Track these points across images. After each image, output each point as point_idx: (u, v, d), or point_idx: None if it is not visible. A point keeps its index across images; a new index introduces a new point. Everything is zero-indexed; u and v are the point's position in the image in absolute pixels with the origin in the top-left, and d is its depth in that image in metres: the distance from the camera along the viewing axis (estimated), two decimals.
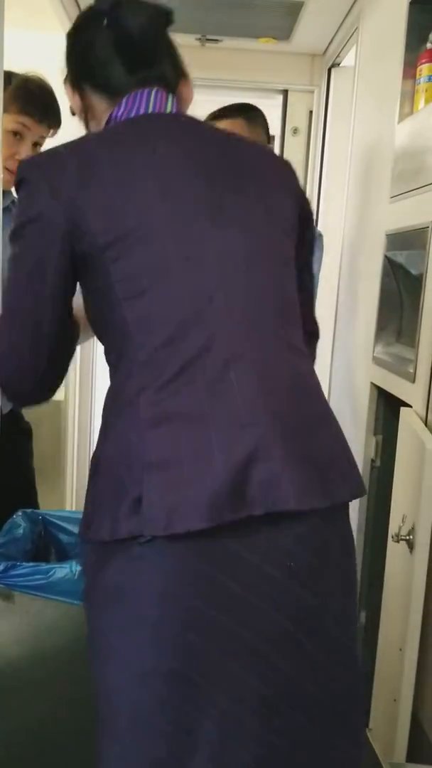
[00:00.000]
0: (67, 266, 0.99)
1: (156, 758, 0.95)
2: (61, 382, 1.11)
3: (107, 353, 1.04)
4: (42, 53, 2.98)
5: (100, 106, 1.11)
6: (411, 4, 1.74)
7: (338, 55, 2.92)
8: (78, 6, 2.77)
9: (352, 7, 2.49)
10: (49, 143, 1.98)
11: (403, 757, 1.44)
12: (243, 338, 0.96)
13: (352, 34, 2.55)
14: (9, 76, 1.87)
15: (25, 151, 1.93)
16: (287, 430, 0.95)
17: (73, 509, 2.96)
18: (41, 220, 0.98)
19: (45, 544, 1.69)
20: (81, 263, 0.99)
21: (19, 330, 1.01)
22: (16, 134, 1.90)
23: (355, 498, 1.03)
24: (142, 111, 1.06)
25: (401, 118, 1.80)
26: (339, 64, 3.00)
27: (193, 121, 1.10)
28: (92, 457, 1.02)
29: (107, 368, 1.04)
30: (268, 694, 0.95)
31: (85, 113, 1.14)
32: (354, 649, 1.04)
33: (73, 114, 1.18)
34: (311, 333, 1.18)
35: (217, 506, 0.89)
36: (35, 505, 2.35)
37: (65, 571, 1.41)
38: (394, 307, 1.84)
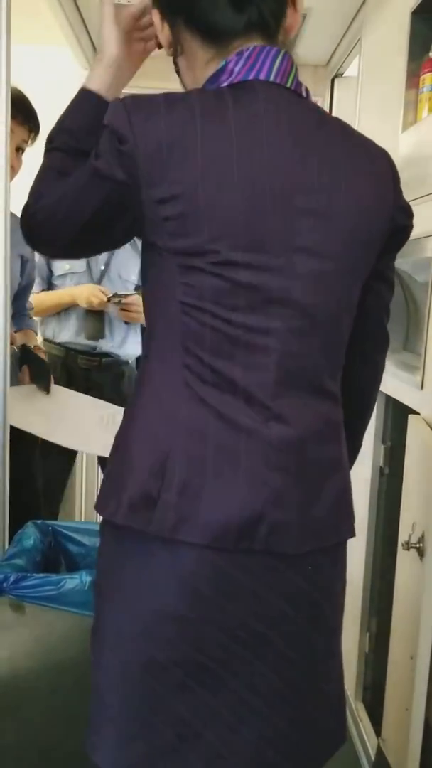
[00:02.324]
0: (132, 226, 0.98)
1: (166, 742, 0.99)
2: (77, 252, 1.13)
3: (158, 338, 1.01)
4: (47, 65, 3.02)
5: (200, 53, 0.99)
6: (413, 13, 1.75)
7: (341, 66, 2.93)
8: (82, 19, 2.80)
9: (354, 17, 2.50)
10: (28, 152, 2.03)
11: (417, 767, 1.43)
12: (284, 389, 0.97)
13: (355, 44, 2.56)
14: None
15: (14, 158, 1.96)
16: (306, 477, 0.99)
17: (83, 520, 2.95)
18: (107, 179, 0.94)
19: (55, 554, 1.69)
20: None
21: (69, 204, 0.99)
22: None
23: (344, 539, 1.07)
24: (263, 75, 0.96)
25: (405, 127, 1.80)
26: (342, 75, 3.01)
27: (304, 112, 0.98)
28: (117, 434, 1.04)
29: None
30: (276, 679, 1.00)
31: (175, 49, 1.02)
32: (341, 645, 1.12)
33: (160, 47, 1.06)
34: (375, 365, 1.16)
35: (225, 535, 0.94)
36: (42, 517, 2.37)
37: (75, 581, 1.41)
38: (401, 315, 1.84)
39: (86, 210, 0.97)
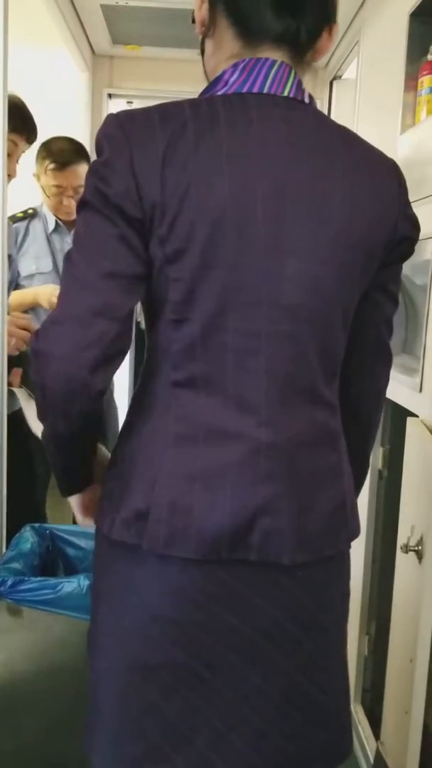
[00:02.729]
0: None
1: (155, 745, 0.99)
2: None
3: (150, 354, 1.01)
4: (43, 68, 3.02)
5: (228, 44, 0.99)
6: (411, 16, 1.75)
7: (340, 68, 2.93)
8: (80, 22, 2.80)
9: (353, 20, 2.50)
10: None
11: None
12: (276, 394, 0.96)
13: (353, 47, 2.56)
14: None
15: (13, 169, 2.02)
16: (299, 485, 0.98)
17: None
18: (107, 199, 0.92)
19: (53, 558, 1.69)
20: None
21: None
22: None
23: (340, 550, 1.05)
24: (256, 88, 0.96)
25: (403, 129, 1.80)
26: (341, 77, 3.01)
27: (303, 118, 0.97)
28: (113, 451, 1.05)
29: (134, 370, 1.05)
30: (267, 688, 1.00)
31: (207, 29, 1.02)
32: (345, 657, 1.12)
33: (193, 22, 1.05)
34: (377, 391, 1.15)
35: (218, 545, 0.94)
36: (41, 508, 2.40)
37: (73, 585, 1.41)
38: (399, 317, 1.84)
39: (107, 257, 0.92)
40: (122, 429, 1.05)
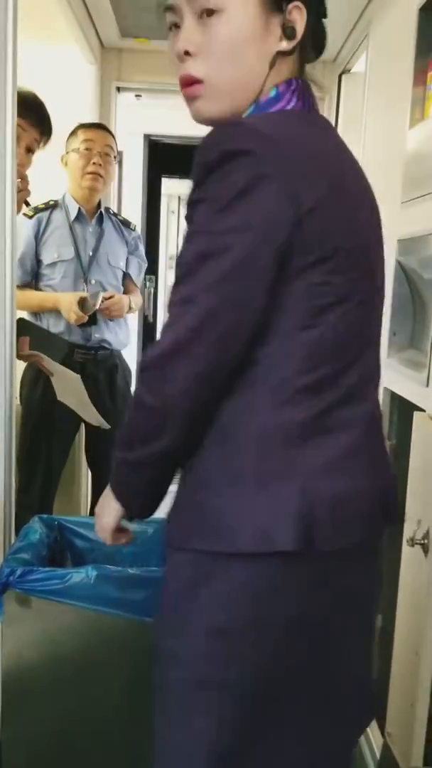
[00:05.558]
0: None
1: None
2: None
3: (256, 367, 0.96)
4: (51, 60, 3.02)
5: (289, 65, 1.02)
6: (421, 9, 1.75)
7: (348, 62, 2.93)
8: (89, 14, 2.80)
9: (362, 13, 2.50)
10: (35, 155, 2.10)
11: (421, 761, 1.44)
12: (373, 385, 1.06)
13: (363, 40, 2.56)
14: None
15: (19, 154, 2.03)
16: (379, 473, 1.05)
17: (88, 515, 2.97)
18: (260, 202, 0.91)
19: (60, 549, 1.70)
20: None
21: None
22: None
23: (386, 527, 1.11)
24: (307, 106, 1.04)
25: (412, 123, 1.80)
26: (349, 71, 3.01)
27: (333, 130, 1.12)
28: (192, 467, 0.99)
29: None
30: (346, 673, 1.04)
31: (291, 51, 1.02)
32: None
33: (288, 36, 1.02)
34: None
35: (365, 532, 1.01)
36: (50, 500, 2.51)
37: (81, 576, 1.42)
38: (407, 312, 1.84)
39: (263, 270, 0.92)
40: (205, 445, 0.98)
